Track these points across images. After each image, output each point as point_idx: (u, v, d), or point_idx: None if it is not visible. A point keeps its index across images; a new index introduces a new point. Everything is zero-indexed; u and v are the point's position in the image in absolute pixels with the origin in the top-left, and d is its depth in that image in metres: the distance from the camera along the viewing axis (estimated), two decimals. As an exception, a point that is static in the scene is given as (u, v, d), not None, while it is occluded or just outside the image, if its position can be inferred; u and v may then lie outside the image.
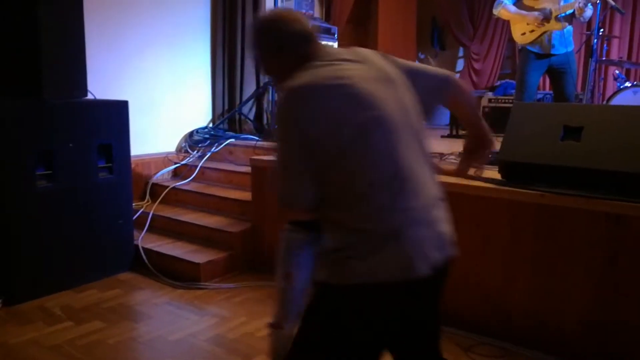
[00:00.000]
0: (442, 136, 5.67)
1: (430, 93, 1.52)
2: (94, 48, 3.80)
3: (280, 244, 1.30)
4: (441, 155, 3.48)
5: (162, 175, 4.45)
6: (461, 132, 5.63)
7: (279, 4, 5.27)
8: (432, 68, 1.60)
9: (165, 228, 3.88)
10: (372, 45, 7.15)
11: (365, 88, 1.28)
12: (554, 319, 2.50)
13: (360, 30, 7.46)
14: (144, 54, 4.45)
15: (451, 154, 3.56)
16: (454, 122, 5.73)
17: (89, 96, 3.38)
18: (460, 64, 7.99)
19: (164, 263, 3.48)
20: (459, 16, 7.53)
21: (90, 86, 3.37)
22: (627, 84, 4.76)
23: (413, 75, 1.46)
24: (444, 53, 8.07)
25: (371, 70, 1.35)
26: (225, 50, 5.05)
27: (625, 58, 6.18)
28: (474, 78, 7.49)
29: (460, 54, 7.96)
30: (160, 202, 4.13)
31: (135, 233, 3.69)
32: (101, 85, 3.70)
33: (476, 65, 7.51)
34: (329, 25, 6.01)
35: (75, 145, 3.24)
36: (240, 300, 3.14)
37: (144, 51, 4.45)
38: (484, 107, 6.21)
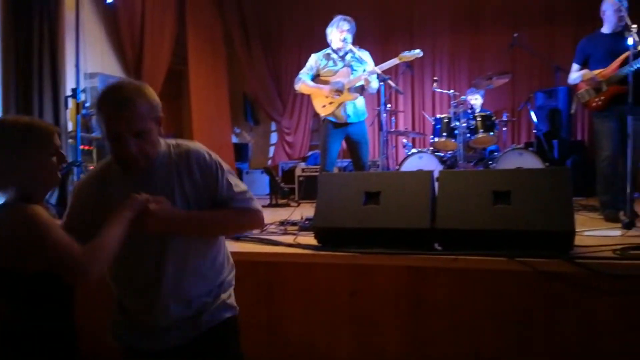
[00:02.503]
0: (263, 206, 5.85)
1: None
2: None
3: None
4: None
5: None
6: (280, 202, 5.90)
7: (82, 81, 5.05)
8: None
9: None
10: (187, 122, 7.22)
11: None
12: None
13: (174, 106, 7.49)
14: None
15: (272, 223, 3.71)
16: (274, 192, 5.99)
17: None
18: (274, 137, 8.47)
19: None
20: (268, 92, 8.06)
21: None
22: (414, 150, 5.55)
23: None
24: (258, 127, 8.49)
25: None
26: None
27: (410, 129, 7.24)
28: (288, 150, 8.01)
29: (273, 127, 8.46)
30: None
31: None
32: None
33: (288, 138, 8.04)
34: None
35: None
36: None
37: None
38: (299, 177, 6.63)
